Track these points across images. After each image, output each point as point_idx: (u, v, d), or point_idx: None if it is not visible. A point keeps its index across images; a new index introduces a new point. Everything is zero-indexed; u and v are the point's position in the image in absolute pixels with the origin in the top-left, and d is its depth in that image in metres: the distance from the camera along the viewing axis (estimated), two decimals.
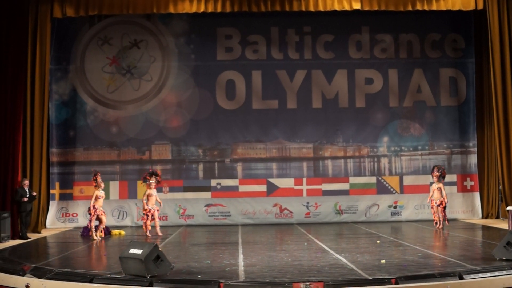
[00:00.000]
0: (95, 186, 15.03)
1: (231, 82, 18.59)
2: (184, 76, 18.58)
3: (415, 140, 18.73)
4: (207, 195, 18.18)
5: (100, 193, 15.04)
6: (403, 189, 18.45)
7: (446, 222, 15.62)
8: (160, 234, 15.09)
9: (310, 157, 18.63)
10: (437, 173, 15.70)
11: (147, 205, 15.15)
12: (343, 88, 18.70)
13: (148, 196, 15.16)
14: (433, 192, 15.78)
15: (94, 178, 15.11)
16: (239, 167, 18.55)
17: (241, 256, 10.93)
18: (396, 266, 9.41)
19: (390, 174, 18.59)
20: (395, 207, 18.38)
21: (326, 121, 18.65)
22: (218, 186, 18.25)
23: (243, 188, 17.84)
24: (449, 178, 18.43)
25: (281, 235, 13.98)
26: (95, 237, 14.61)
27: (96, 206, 14.85)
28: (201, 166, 18.57)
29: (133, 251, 8.71)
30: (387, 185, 18.46)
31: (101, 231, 15.09)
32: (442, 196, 15.56)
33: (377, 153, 18.68)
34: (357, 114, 18.68)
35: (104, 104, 18.42)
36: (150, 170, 15.86)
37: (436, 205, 15.63)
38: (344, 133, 18.72)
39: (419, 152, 18.70)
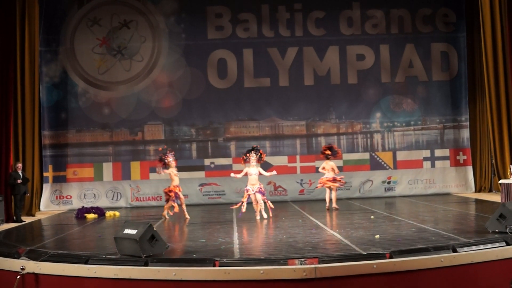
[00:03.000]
0: (164, 168, 14.24)
1: (223, 61, 18.50)
2: (175, 56, 18.47)
3: (408, 115, 18.75)
4: (201, 174, 18.21)
5: (174, 171, 14.17)
6: (396, 165, 18.51)
7: (334, 204, 14.80)
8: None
9: (303, 134, 18.65)
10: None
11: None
12: (335, 64, 18.64)
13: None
14: (324, 170, 14.85)
15: (163, 158, 14.25)
16: (232, 145, 18.55)
17: (236, 234, 10.94)
18: (390, 240, 9.44)
19: (383, 150, 18.63)
20: (388, 182, 18.45)
21: (319, 98, 18.62)
22: (212, 165, 18.26)
23: (236, 167, 17.81)
24: (442, 152, 18.55)
25: (276, 212, 13.99)
26: (166, 215, 14.16)
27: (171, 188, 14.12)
28: (194, 146, 18.58)
29: (127, 231, 8.68)
30: (380, 161, 18.50)
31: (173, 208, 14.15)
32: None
33: (370, 129, 18.70)
34: (349, 91, 18.65)
35: (95, 86, 18.31)
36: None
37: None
38: (336, 110, 18.72)
39: (412, 128, 18.73)
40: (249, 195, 13.44)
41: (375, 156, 18.52)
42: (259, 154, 13.59)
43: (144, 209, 17.60)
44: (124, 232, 8.72)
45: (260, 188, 13.45)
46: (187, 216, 14.24)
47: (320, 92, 18.62)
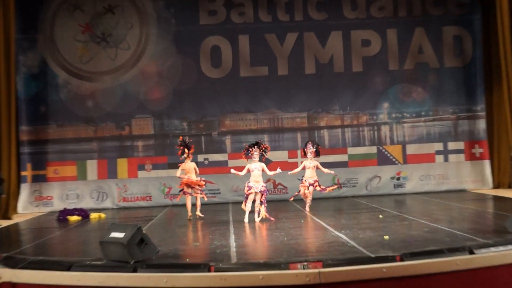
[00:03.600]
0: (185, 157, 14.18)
1: (216, 48, 18.44)
2: (164, 43, 18.40)
3: (418, 105, 18.70)
4: None
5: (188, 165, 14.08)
6: (406, 159, 18.47)
7: (307, 206, 14.83)
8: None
9: (305, 127, 18.63)
10: (313, 149, 14.81)
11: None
12: (338, 51, 18.59)
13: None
14: (304, 170, 14.86)
15: (183, 147, 14.25)
16: (227, 140, 18.51)
17: (232, 237, 10.91)
18: (400, 242, 9.42)
19: (392, 143, 18.61)
20: (398, 178, 18.43)
21: (321, 87, 18.59)
22: (206, 162, 18.24)
23: (232, 163, 17.75)
24: (456, 145, 18.50)
25: (276, 212, 13.95)
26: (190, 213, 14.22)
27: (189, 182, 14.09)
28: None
29: (114, 234, 8.63)
30: (388, 155, 18.46)
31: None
32: (316, 175, 14.82)
33: (377, 120, 18.67)
34: (354, 79, 18.61)
35: (78, 76, 18.22)
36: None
37: (308, 184, 14.75)
38: (340, 100, 18.69)
39: (423, 119, 18.69)
40: (251, 193, 13.10)
41: (383, 150, 18.49)
42: (263, 149, 13.44)
43: (132, 210, 17.56)
44: (110, 235, 8.67)
45: (263, 187, 13.17)
46: (190, 214, 14.29)
47: (323, 81, 18.59)
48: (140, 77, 18.33)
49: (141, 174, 18.13)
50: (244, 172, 13.37)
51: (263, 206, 13.11)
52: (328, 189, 14.90)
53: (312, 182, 14.70)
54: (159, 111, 18.42)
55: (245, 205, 13.21)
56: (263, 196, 13.16)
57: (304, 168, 14.84)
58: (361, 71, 18.62)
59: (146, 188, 18.01)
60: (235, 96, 18.54)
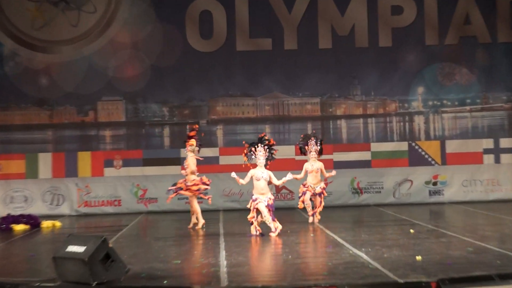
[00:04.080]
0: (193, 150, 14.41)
1: (207, 14, 18.48)
2: (141, 6, 18.41)
3: (462, 90, 18.73)
4: (175, 170, 18.00)
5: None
6: (445, 159, 18.47)
7: (317, 216, 14.69)
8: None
9: (317, 116, 18.69)
10: (317, 147, 14.57)
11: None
12: (361, 20, 18.65)
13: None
14: (306, 174, 14.57)
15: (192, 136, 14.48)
16: (219, 131, 18.51)
17: (223, 254, 10.86)
18: (437, 264, 9.35)
19: (428, 138, 18.66)
20: (434, 183, 18.45)
21: (338, 66, 18.64)
22: None
23: (225, 160, 17.72)
24: (510, 143, 18.44)
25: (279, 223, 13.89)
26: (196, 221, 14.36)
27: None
28: (166, 131, 18.67)
29: (72, 248, 8.62)
30: (423, 153, 18.46)
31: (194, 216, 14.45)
32: (322, 180, 14.70)
33: (409, 109, 18.71)
34: (381, 56, 18.67)
35: (28, 46, 18.19)
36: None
37: (314, 193, 14.54)
38: (363, 83, 18.77)
39: (468, 108, 18.72)
40: (257, 208, 12.84)
41: (416, 147, 18.49)
42: (269, 147, 12.99)
43: (96, 217, 17.55)
44: (67, 249, 8.67)
45: (270, 199, 12.88)
46: (203, 221, 14.46)
47: (341, 59, 18.64)
48: (110, 49, 18.30)
49: (108, 172, 18.14)
50: (247, 180, 12.99)
51: (267, 220, 12.79)
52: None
53: (320, 190, 14.46)
54: (132, 93, 18.43)
55: (255, 223, 12.88)
56: (271, 211, 12.85)
57: (305, 173, 14.46)
58: (390, 46, 18.65)
59: (115, 190, 18.07)
60: (230, 76, 18.56)
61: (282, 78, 18.65)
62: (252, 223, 12.91)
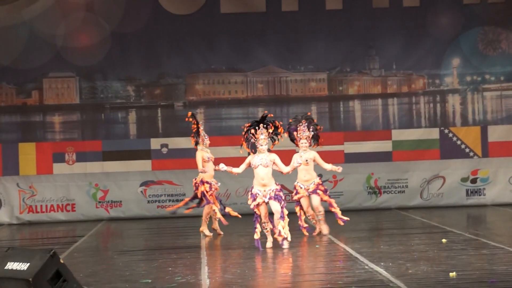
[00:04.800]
0: (196, 143, 14.47)
1: None
2: None
3: (510, 62, 18.70)
4: (144, 165, 18.18)
5: (207, 153, 14.25)
6: (487, 150, 18.49)
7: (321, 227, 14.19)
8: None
9: (323, 96, 18.73)
10: (309, 132, 14.12)
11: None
12: None
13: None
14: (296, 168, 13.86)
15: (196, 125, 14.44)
16: (199, 116, 18.45)
17: (205, 270, 10.87)
18: (476, 282, 9.34)
19: (465, 123, 18.70)
20: (473, 180, 18.49)
21: (351, 32, 18.67)
22: (164, 150, 18.31)
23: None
24: None
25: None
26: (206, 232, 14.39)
27: (207, 178, 14.23)
28: (132, 116, 18.75)
29: (13, 266, 8.58)
30: (459, 142, 18.46)
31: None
32: (315, 175, 14.15)
33: (441, 86, 18.73)
34: (405, 20, 18.66)
35: None
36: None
37: (307, 193, 13.99)
38: (382, 54, 18.82)
39: None
40: (257, 205, 12.73)
41: (450, 135, 18.49)
42: (273, 128, 12.81)
43: (43, 226, 17.63)
44: (6, 267, 8.60)
45: (276, 191, 12.71)
46: (219, 231, 14.36)
47: (353, 23, 18.68)
48: (57, 11, 18.20)
49: (58, 168, 18.17)
50: (242, 168, 12.87)
51: (280, 223, 12.62)
52: (339, 217, 14.06)
53: (314, 187, 13.83)
54: (88, 68, 18.45)
55: (256, 232, 12.73)
56: (282, 205, 12.62)
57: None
58: (418, 6, 18.61)
59: (67, 192, 18.10)
60: (212, 45, 18.57)
61: (279, 48, 18.72)
62: (256, 228, 12.71)
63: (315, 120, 14.58)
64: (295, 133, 14.04)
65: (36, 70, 18.30)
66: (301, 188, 13.86)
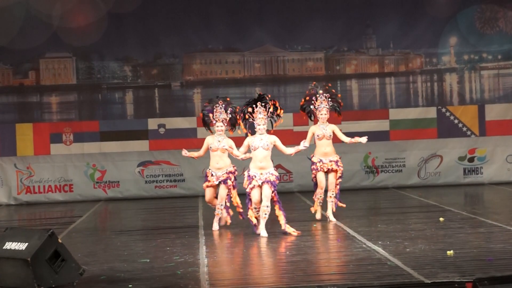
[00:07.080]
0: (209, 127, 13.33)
1: None
2: None
3: (508, 40, 18.77)
4: (142, 145, 18.22)
5: (214, 141, 13.02)
6: (484, 129, 18.55)
7: (333, 208, 13.67)
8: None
9: (321, 75, 18.70)
10: (327, 104, 13.30)
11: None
12: None
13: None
14: (313, 140, 13.48)
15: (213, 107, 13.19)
16: (196, 96, 18.59)
17: (203, 250, 10.95)
18: (473, 260, 9.46)
19: (462, 102, 18.78)
20: (471, 159, 18.58)
21: (348, 10, 18.70)
22: (161, 131, 18.36)
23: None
24: None
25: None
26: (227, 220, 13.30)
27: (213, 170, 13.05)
28: (129, 96, 18.83)
29: (11, 246, 8.65)
30: (456, 121, 18.52)
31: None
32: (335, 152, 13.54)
33: (438, 65, 18.80)
34: None
35: None
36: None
37: (325, 170, 13.44)
38: (379, 32, 18.88)
39: None
40: (252, 188, 12.17)
41: (447, 114, 18.54)
42: (271, 108, 12.27)
43: (41, 207, 17.67)
44: (4, 247, 8.67)
45: (272, 175, 12.16)
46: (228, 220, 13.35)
47: (350, 2, 18.72)
48: None
49: (56, 149, 18.24)
50: (243, 151, 12.34)
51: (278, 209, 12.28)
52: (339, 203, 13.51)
53: (334, 163, 13.19)
54: (85, 48, 18.49)
55: (252, 215, 12.24)
56: (274, 190, 12.14)
57: (312, 140, 13.19)
58: None
59: (65, 172, 18.15)
60: (209, 24, 18.60)
61: (276, 27, 18.71)
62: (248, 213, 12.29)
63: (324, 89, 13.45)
64: (312, 105, 13.30)
65: (33, 50, 18.32)
66: (321, 163, 13.24)
